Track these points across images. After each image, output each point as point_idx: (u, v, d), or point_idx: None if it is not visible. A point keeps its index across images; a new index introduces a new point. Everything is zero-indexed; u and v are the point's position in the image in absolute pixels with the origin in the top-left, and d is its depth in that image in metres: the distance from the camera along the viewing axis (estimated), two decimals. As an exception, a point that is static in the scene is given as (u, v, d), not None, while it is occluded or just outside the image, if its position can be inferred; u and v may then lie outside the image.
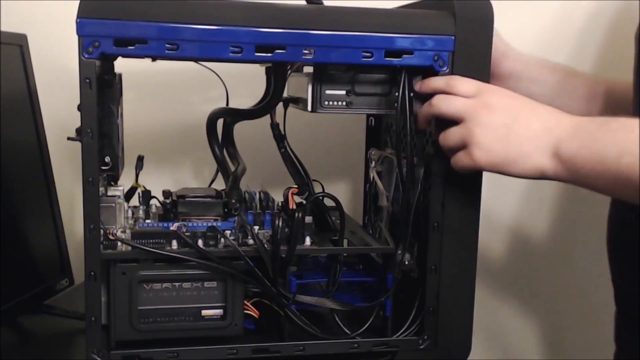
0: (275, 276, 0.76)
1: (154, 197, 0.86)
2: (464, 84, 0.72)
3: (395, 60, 0.73)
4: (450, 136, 0.72)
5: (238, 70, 0.86)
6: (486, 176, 0.77)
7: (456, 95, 0.71)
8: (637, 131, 0.62)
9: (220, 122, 0.89)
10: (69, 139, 0.74)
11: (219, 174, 0.91)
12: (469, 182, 0.77)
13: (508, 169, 0.69)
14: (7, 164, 0.90)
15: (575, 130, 0.67)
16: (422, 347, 0.79)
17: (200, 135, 0.88)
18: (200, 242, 0.75)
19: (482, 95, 0.71)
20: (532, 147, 0.68)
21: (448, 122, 0.72)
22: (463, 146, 0.71)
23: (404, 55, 0.73)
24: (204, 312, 0.75)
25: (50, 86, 1.03)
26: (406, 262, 0.80)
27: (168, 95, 1.12)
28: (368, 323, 0.79)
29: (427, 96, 0.75)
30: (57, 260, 0.99)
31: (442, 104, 0.72)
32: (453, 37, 0.73)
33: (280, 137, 0.86)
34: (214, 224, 0.78)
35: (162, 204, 0.85)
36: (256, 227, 0.79)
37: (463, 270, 0.79)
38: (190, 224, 0.77)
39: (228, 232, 0.77)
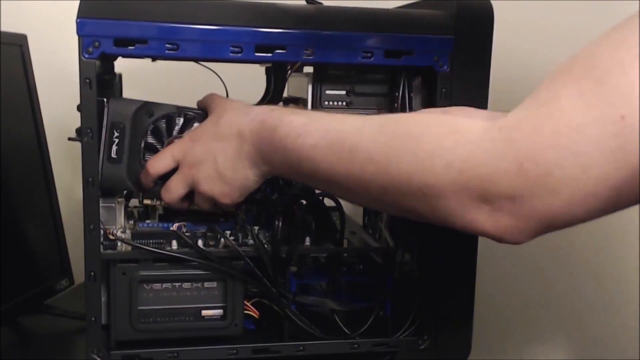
0: (276, 276, 0.76)
1: (154, 197, 0.86)
2: (160, 163, 0.71)
3: (395, 60, 0.73)
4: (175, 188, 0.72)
5: (238, 70, 0.86)
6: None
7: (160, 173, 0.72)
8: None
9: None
10: (69, 139, 0.74)
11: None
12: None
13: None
14: (7, 164, 0.90)
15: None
16: (422, 347, 0.79)
17: (200, 135, 0.88)
18: (200, 242, 0.75)
19: (183, 162, 0.71)
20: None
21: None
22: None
23: (404, 56, 0.73)
24: (204, 312, 0.75)
25: (50, 86, 1.03)
26: (406, 262, 0.80)
27: (168, 95, 1.11)
28: (368, 323, 0.79)
29: (427, 95, 0.75)
30: (57, 260, 0.99)
31: (165, 196, 0.72)
32: (453, 37, 0.73)
33: (280, 137, 0.86)
34: (214, 224, 0.78)
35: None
36: (256, 227, 0.79)
37: (463, 270, 0.79)
38: (190, 224, 0.77)
39: (228, 232, 0.77)
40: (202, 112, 0.75)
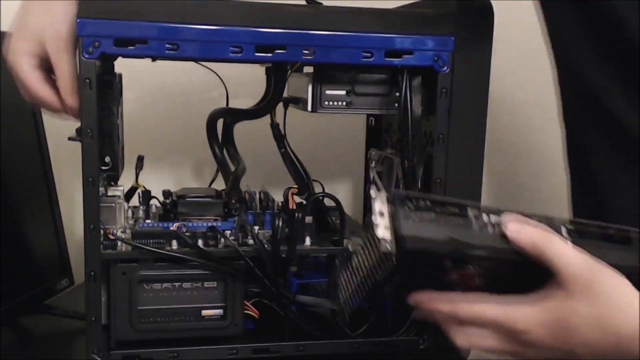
0: (276, 276, 0.76)
1: (154, 197, 0.86)
2: (476, 321, 0.55)
3: (395, 60, 0.73)
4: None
5: (238, 70, 0.86)
6: (486, 176, 0.77)
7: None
8: None
9: (220, 122, 0.89)
10: (69, 139, 0.74)
11: (219, 174, 0.91)
12: (469, 182, 0.77)
13: None
14: (7, 164, 0.90)
15: None
16: (422, 347, 0.79)
17: (200, 135, 0.88)
18: (200, 242, 0.75)
19: (511, 337, 0.54)
20: None
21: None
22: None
23: (404, 55, 0.73)
24: (204, 312, 0.75)
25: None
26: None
27: (168, 95, 1.12)
28: (368, 323, 0.79)
29: (427, 95, 0.75)
30: (57, 260, 0.99)
31: (461, 342, 0.57)
32: (453, 37, 0.73)
33: (280, 137, 0.86)
34: (214, 224, 0.78)
35: (162, 204, 0.85)
36: (256, 227, 0.79)
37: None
38: (190, 224, 0.77)
39: (228, 232, 0.77)
40: (515, 256, 0.53)
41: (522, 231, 0.53)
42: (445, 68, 0.74)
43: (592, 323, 0.51)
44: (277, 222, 0.75)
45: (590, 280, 0.52)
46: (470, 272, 0.55)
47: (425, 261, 0.54)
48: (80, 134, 0.69)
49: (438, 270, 0.55)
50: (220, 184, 0.90)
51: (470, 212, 0.54)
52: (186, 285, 0.75)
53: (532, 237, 0.53)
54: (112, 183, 0.79)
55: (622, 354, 0.51)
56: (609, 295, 0.51)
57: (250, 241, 0.77)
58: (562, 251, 0.53)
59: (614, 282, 0.52)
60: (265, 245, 0.76)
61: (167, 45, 0.69)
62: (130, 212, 0.82)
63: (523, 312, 0.53)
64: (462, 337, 0.57)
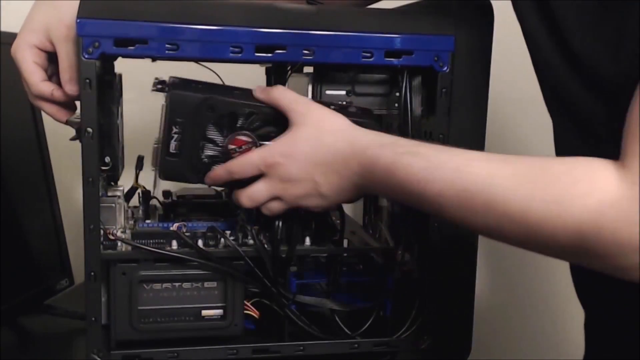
0: (275, 276, 0.76)
1: (154, 197, 0.86)
2: (246, 170, 0.69)
3: (395, 60, 0.73)
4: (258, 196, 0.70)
5: (238, 70, 0.86)
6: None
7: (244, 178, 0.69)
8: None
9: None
10: (70, 139, 0.74)
11: (219, 174, 0.91)
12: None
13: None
14: (8, 164, 0.90)
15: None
16: (422, 347, 0.79)
17: (200, 135, 0.88)
18: (200, 242, 0.75)
19: (272, 174, 0.68)
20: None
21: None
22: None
23: (404, 56, 0.73)
24: (204, 312, 0.75)
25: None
26: (406, 262, 0.80)
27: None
28: (368, 323, 0.79)
29: (427, 95, 0.75)
30: (57, 260, 0.99)
31: (246, 202, 0.70)
32: (453, 37, 0.73)
33: (280, 137, 0.86)
34: (214, 224, 0.78)
35: (162, 204, 0.85)
36: (256, 227, 0.79)
37: (463, 270, 0.79)
38: (190, 224, 0.77)
39: (228, 232, 0.77)
40: (266, 108, 0.71)
41: (264, 90, 0.72)
42: (445, 68, 0.74)
43: (312, 144, 0.67)
44: (277, 222, 0.75)
45: (306, 112, 0.69)
46: (243, 140, 0.71)
47: (196, 117, 0.70)
48: (80, 134, 0.69)
49: (217, 134, 0.71)
50: (220, 184, 0.90)
51: (237, 91, 0.73)
52: (186, 285, 0.75)
53: (269, 91, 0.71)
54: (112, 183, 0.79)
55: (340, 172, 0.66)
56: (320, 121, 0.68)
57: (250, 241, 0.77)
58: (288, 96, 0.70)
59: (324, 112, 0.69)
60: (265, 245, 0.76)
61: (167, 45, 0.69)
62: (130, 212, 0.82)
63: (274, 147, 0.69)
64: (244, 197, 0.70)
